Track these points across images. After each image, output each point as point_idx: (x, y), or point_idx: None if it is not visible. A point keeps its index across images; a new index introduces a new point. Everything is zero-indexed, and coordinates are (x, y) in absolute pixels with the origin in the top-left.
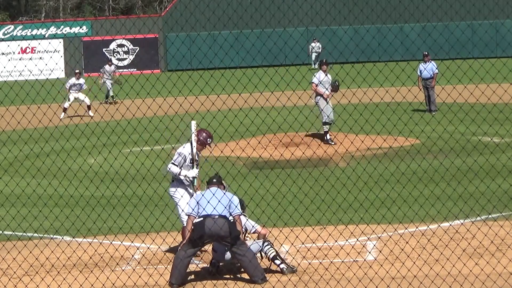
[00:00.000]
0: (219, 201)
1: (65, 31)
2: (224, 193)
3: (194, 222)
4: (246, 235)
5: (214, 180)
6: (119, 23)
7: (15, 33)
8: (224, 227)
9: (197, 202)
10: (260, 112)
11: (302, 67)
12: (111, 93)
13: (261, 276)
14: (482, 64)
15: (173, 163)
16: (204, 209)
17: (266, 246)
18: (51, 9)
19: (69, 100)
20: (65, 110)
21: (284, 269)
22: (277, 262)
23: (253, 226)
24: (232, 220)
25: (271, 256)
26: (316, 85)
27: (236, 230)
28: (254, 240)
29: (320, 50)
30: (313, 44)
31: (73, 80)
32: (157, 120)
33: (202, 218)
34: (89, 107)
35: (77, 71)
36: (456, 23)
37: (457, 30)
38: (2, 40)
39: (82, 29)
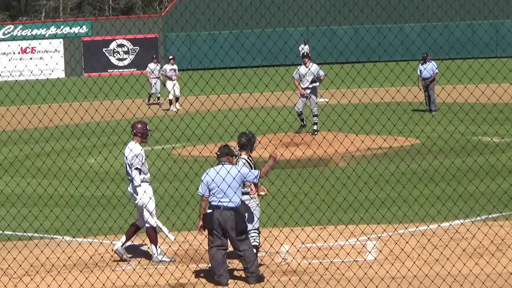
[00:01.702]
0: (229, 185)
1: (65, 31)
2: (228, 172)
3: (205, 213)
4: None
5: (218, 153)
6: (119, 23)
7: (15, 33)
8: (229, 220)
9: (206, 185)
10: (260, 112)
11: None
12: (158, 92)
13: (255, 276)
14: (482, 64)
15: (137, 169)
16: (214, 195)
17: (254, 232)
18: (51, 9)
19: (168, 90)
20: (171, 102)
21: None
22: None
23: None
24: (240, 213)
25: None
26: (297, 80)
27: (243, 224)
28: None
29: (307, 52)
30: (302, 46)
31: (168, 66)
32: (157, 120)
33: (211, 210)
34: (177, 99)
35: (170, 57)
36: (456, 23)
37: (457, 30)
38: (2, 40)
39: (82, 29)
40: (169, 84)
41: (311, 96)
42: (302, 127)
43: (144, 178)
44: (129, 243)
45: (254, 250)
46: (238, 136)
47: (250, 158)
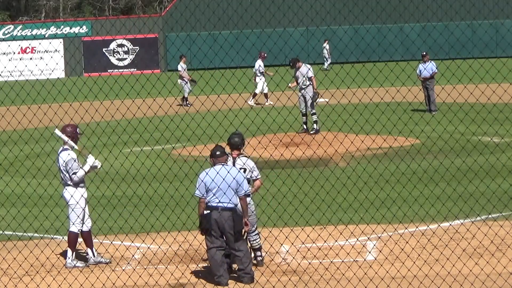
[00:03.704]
0: (229, 185)
1: (66, 31)
2: (229, 172)
3: (203, 213)
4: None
5: (218, 153)
6: (119, 23)
7: (16, 33)
8: (228, 221)
9: (205, 186)
10: (260, 112)
11: None
12: (189, 92)
13: (250, 276)
14: (482, 64)
15: (75, 173)
16: (214, 194)
17: (254, 234)
18: (51, 9)
19: (256, 85)
20: (255, 95)
21: (260, 262)
22: (258, 253)
23: (255, 176)
24: (238, 213)
25: (255, 247)
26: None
27: (240, 224)
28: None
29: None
30: (325, 45)
31: (260, 62)
32: (157, 120)
33: (209, 211)
34: (266, 95)
35: (263, 53)
36: (456, 23)
37: (457, 30)
38: (3, 40)
39: (82, 29)
40: (258, 80)
41: (305, 96)
42: (304, 130)
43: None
44: (94, 248)
45: (259, 253)
46: (230, 137)
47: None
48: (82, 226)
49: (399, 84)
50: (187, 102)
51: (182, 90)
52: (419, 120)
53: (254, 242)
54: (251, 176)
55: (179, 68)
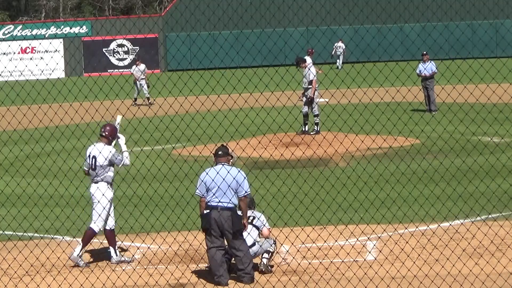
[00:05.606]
0: (228, 186)
1: (66, 31)
2: (229, 172)
3: (202, 213)
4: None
5: (220, 153)
6: (120, 23)
7: (16, 33)
8: (228, 220)
9: (206, 185)
10: (260, 112)
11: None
12: (146, 94)
13: (250, 277)
14: (482, 64)
15: (121, 160)
16: (214, 194)
17: (272, 244)
18: (51, 9)
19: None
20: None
21: (262, 265)
22: (265, 256)
23: (262, 223)
24: (237, 213)
25: (266, 249)
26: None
27: (240, 224)
28: (260, 241)
29: (341, 51)
30: (339, 44)
31: (309, 59)
32: (157, 120)
33: (208, 210)
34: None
35: (311, 49)
36: (456, 23)
37: (457, 30)
38: (3, 40)
39: (83, 29)
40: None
41: (307, 97)
42: (302, 131)
43: (112, 178)
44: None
45: (266, 255)
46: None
47: None
48: (103, 225)
49: (399, 84)
50: (149, 101)
51: (141, 91)
52: (419, 120)
53: (269, 247)
54: (259, 224)
55: (133, 71)
